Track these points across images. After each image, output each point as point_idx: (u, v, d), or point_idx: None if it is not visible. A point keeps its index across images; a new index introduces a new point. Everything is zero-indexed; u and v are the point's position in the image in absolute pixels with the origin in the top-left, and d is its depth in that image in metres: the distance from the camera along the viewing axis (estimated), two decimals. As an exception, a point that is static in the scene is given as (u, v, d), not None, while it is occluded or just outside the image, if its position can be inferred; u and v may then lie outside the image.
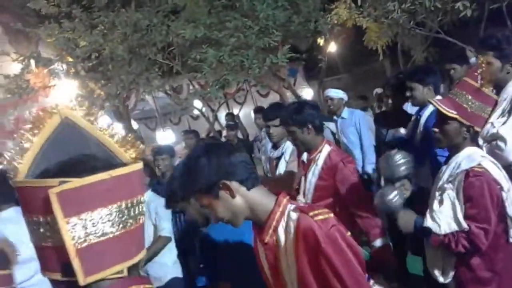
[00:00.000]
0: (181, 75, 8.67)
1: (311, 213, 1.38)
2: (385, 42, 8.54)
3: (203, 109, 9.81)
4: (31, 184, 0.82)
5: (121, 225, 0.83)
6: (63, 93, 8.60)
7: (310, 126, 2.68)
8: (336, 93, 4.45)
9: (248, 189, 1.43)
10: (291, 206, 1.44)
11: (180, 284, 3.53)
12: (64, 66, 8.14)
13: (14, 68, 7.84)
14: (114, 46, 6.99)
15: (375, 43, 8.41)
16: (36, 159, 0.88)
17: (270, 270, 1.51)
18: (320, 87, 9.79)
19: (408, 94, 3.13)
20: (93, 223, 0.80)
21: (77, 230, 0.79)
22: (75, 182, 0.79)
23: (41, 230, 0.81)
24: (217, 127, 9.87)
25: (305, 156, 2.84)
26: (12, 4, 8.66)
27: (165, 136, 11.78)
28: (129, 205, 0.85)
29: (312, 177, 2.72)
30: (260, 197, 1.45)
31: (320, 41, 8.67)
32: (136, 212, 0.87)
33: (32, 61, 7.95)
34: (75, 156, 0.87)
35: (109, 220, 0.82)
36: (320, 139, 2.74)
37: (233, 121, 7.57)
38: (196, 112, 11.74)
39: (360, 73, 12.29)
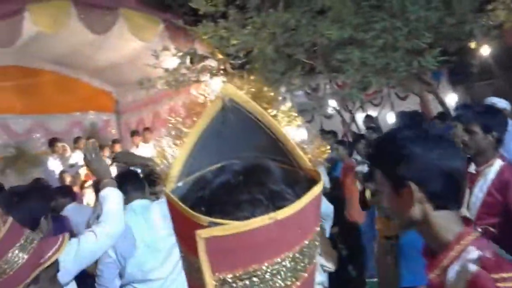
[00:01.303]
0: (321, 74, 8.78)
1: (495, 275, 1.07)
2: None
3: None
4: (178, 207, 0.61)
5: (289, 282, 0.60)
6: (212, 89, 9.28)
7: (494, 135, 2.58)
8: (500, 102, 4.17)
9: (436, 207, 1.18)
10: (474, 253, 1.13)
11: None
12: (214, 63, 8.77)
13: (173, 62, 8.63)
14: (263, 45, 7.33)
15: (538, 47, 7.64)
16: (193, 155, 0.68)
17: None
18: (468, 92, 9.19)
19: None
20: (251, 283, 0.58)
21: None
22: (227, 228, 0.57)
23: (191, 265, 0.61)
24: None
25: (472, 167, 2.73)
26: (174, 3, 9.54)
27: (298, 133, 12.03)
28: (300, 251, 0.61)
29: (479, 192, 2.61)
30: (442, 223, 1.19)
31: (473, 43, 8.14)
32: (312, 251, 0.63)
33: (188, 57, 8.70)
34: (236, 169, 0.65)
35: (271, 279, 0.58)
36: (495, 152, 2.63)
37: (375, 124, 7.48)
38: (330, 111, 11.79)
39: (515, 79, 11.22)
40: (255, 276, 0.57)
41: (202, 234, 0.56)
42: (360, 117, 10.14)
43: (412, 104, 10.18)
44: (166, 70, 8.47)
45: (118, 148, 9.57)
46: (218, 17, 7.92)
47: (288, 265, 0.59)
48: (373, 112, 11.02)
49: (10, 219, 1.53)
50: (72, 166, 8.89)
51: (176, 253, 3.00)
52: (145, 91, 9.28)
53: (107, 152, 9.19)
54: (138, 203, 3.05)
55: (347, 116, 9.68)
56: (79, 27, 8.04)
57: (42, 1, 7.75)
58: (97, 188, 5.96)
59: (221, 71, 8.87)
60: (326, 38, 7.24)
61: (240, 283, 0.57)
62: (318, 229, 0.65)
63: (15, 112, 10.29)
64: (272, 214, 0.58)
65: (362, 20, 7.36)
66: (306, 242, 0.62)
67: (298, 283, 0.60)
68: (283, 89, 8.52)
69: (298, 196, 0.61)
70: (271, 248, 0.58)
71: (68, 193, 5.06)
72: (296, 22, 7.36)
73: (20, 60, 10.08)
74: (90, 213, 5.36)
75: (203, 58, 8.44)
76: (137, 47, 9.26)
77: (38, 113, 10.60)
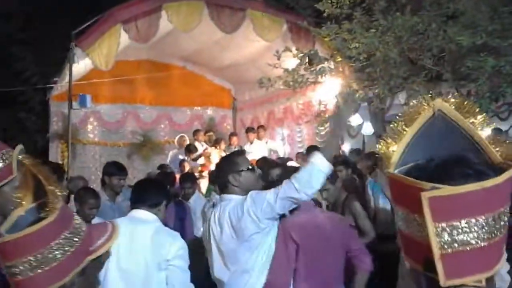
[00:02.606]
0: (446, 82, 8.34)
1: None
2: None
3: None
4: (403, 180, 0.86)
5: (486, 236, 0.83)
6: (328, 91, 9.27)
7: None
8: None
9: None
10: None
11: None
12: (333, 65, 8.74)
13: (292, 63, 8.78)
14: (388, 49, 7.16)
15: None
16: (407, 149, 0.94)
17: None
18: None
19: None
20: (460, 232, 0.82)
21: (444, 236, 0.82)
22: (446, 190, 0.81)
23: (411, 222, 0.87)
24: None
25: None
26: (297, 5, 9.71)
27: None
28: (496, 216, 0.84)
29: None
30: None
31: None
32: (502, 223, 0.85)
33: (307, 58, 8.78)
34: (445, 157, 0.88)
35: (475, 231, 0.82)
36: None
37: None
38: (450, 121, 11.14)
39: None
40: (466, 227, 0.83)
41: (426, 194, 0.81)
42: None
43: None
44: (285, 70, 8.63)
45: (235, 140, 9.97)
46: (342, 19, 7.90)
47: (490, 223, 0.84)
48: (499, 126, 10.21)
49: (61, 204, 1.26)
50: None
51: None
52: (262, 90, 9.52)
53: (223, 146, 9.64)
54: None
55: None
56: (209, 26, 8.54)
57: (178, 0, 8.35)
58: (211, 178, 6.26)
59: (340, 74, 8.83)
60: (456, 44, 6.87)
61: (455, 231, 0.82)
62: (508, 205, 0.86)
63: (144, 102, 11.23)
64: (481, 183, 0.82)
65: (498, 26, 6.87)
66: (502, 209, 0.85)
67: (492, 240, 0.84)
68: (403, 95, 8.26)
69: (496, 175, 0.84)
70: (479, 207, 0.83)
71: (195, 182, 5.40)
72: (425, 26, 7.08)
73: (152, 55, 10.97)
74: (205, 201, 5.67)
75: (323, 59, 8.45)
76: (259, 47, 9.58)
77: (164, 105, 11.45)
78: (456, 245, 0.82)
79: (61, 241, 1.19)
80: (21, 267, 1.16)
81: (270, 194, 2.52)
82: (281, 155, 9.16)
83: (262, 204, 2.50)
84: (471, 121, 0.93)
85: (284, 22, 9.02)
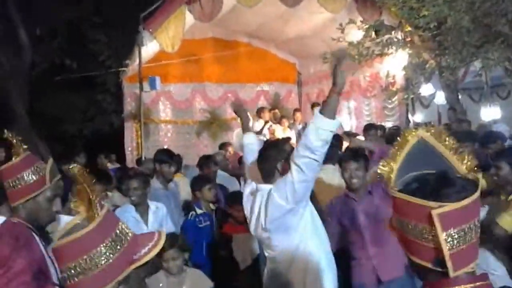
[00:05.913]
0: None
1: None
2: None
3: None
4: (412, 200, 1.14)
5: (474, 234, 1.13)
6: (397, 62, 8.94)
7: None
8: None
9: None
10: None
11: None
12: (401, 35, 8.39)
13: (358, 35, 8.53)
14: (459, 16, 6.77)
15: None
16: (399, 169, 1.24)
17: None
18: None
19: None
20: (461, 234, 1.10)
21: (450, 240, 1.09)
22: (449, 206, 1.09)
23: (417, 230, 1.14)
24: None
25: None
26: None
27: (490, 113, 10.86)
28: (479, 218, 1.15)
29: None
30: None
31: None
32: (478, 224, 1.15)
33: (373, 29, 8.49)
34: (435, 176, 1.16)
35: (471, 231, 1.12)
36: None
37: None
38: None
39: None
40: (465, 229, 1.11)
41: (436, 212, 1.09)
42: None
43: None
44: (350, 43, 8.42)
45: (298, 116, 9.94)
46: (411, -13, 7.53)
47: (476, 225, 1.14)
48: None
49: (106, 207, 1.31)
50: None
51: None
52: (327, 64, 9.36)
53: (286, 123, 9.65)
54: None
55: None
56: (272, 0, 8.45)
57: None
58: (258, 164, 6.36)
59: (408, 44, 8.47)
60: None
61: (458, 234, 1.10)
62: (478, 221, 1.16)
63: (211, 80, 11.41)
64: (471, 197, 1.11)
65: None
66: (479, 215, 1.16)
67: (476, 237, 1.14)
68: (478, 63, 7.80)
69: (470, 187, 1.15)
70: (470, 214, 1.12)
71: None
72: (501, -10, 6.60)
73: (217, 32, 11.07)
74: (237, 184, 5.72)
75: (390, 30, 8.14)
76: (323, 19, 9.37)
77: (230, 82, 11.58)
78: (459, 244, 1.10)
79: (102, 248, 1.24)
80: (68, 273, 1.24)
81: (288, 173, 2.61)
82: (346, 129, 9.02)
83: (285, 186, 2.60)
84: (444, 144, 1.25)
85: (349, -8, 8.73)
